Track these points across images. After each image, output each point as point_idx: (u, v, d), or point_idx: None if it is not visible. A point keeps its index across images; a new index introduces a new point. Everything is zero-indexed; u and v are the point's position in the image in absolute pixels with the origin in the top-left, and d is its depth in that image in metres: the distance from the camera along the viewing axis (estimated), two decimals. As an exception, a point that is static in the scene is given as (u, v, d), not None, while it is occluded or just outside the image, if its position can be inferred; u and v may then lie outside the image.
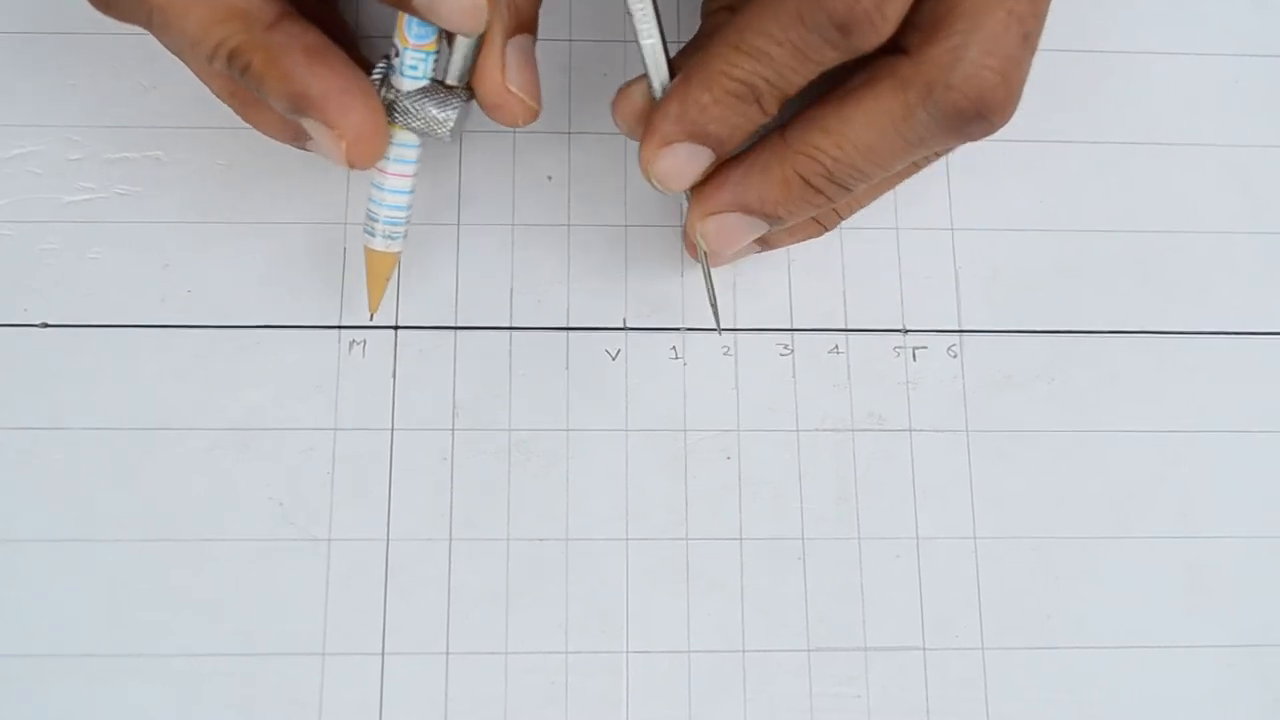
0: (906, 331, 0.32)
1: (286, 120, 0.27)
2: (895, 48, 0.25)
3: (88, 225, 0.31)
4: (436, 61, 0.26)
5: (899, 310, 0.32)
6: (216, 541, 0.29)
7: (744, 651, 0.29)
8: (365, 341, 0.31)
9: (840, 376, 0.31)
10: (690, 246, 0.29)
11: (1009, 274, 0.32)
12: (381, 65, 0.26)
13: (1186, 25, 0.34)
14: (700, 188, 0.27)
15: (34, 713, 0.28)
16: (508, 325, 0.31)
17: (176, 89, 0.32)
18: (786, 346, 0.31)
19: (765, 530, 0.30)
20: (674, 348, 0.31)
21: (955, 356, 0.32)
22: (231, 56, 0.25)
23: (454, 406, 0.30)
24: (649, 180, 0.27)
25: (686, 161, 0.26)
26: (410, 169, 0.27)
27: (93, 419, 0.30)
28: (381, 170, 0.27)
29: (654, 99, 0.27)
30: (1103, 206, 0.33)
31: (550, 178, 0.32)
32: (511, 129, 0.30)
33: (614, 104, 0.28)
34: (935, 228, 0.32)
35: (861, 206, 0.30)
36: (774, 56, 0.24)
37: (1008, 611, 0.30)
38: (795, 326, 0.32)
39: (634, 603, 0.30)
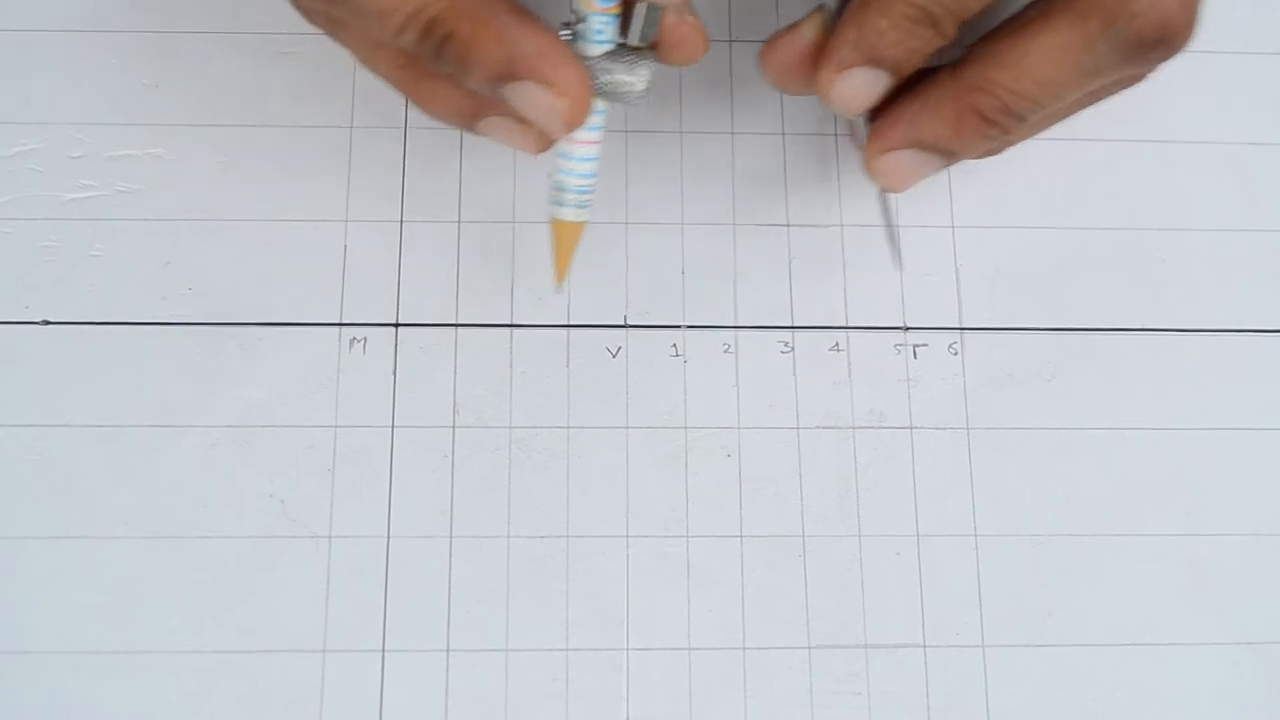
0: (907, 329, 0.32)
1: (463, 98, 0.27)
2: None
3: (89, 223, 0.31)
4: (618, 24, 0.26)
5: (900, 308, 0.32)
6: (217, 539, 0.29)
7: (744, 649, 0.29)
8: (366, 339, 0.31)
9: (841, 374, 0.31)
10: (869, 170, 0.28)
11: (1010, 272, 0.32)
12: (565, 33, 0.26)
13: (1186, 23, 0.34)
14: (876, 125, 0.27)
15: (36, 709, 0.28)
16: (508, 323, 0.31)
17: (178, 87, 0.32)
18: (787, 344, 0.31)
19: (766, 527, 0.30)
20: (674, 345, 0.31)
21: (956, 354, 0.32)
22: (430, 26, 0.24)
23: (454, 404, 0.31)
24: (827, 103, 0.27)
25: (864, 85, 0.26)
26: (599, 136, 0.27)
27: (94, 416, 0.30)
28: (570, 139, 0.27)
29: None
30: (1103, 205, 0.33)
31: (551, 175, 0.32)
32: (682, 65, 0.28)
33: (763, 55, 0.28)
34: (936, 225, 0.32)
35: (1035, 133, 0.29)
36: None
37: (1008, 609, 0.30)
38: (796, 324, 0.32)
39: (634, 600, 0.30)
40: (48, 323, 0.31)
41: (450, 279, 0.31)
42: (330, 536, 0.30)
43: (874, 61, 0.26)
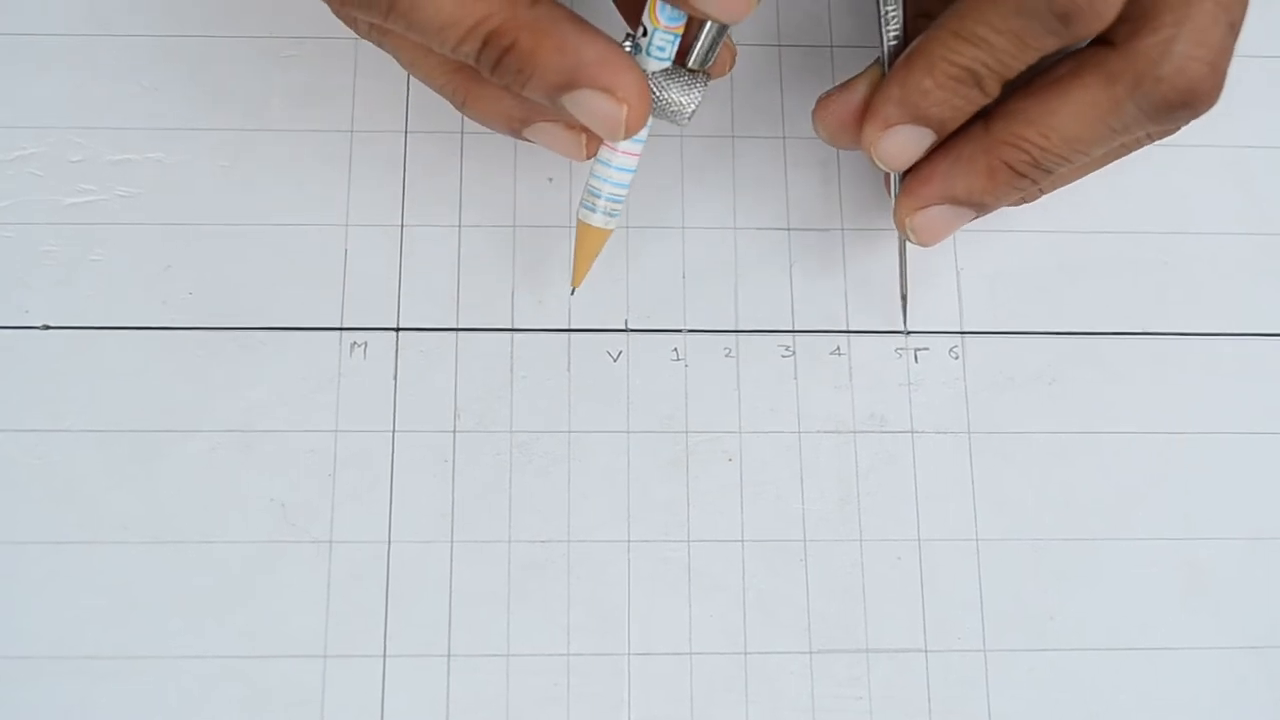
0: (908, 333, 0.32)
1: (515, 105, 0.27)
2: (1099, 38, 0.26)
3: (89, 227, 0.31)
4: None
5: (900, 311, 0.32)
6: (218, 543, 0.29)
7: (746, 653, 0.29)
8: (366, 343, 0.31)
9: (842, 378, 0.31)
10: (900, 227, 0.29)
11: (1010, 275, 0.32)
12: (628, 45, 0.26)
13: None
14: (908, 182, 0.28)
15: (36, 713, 0.28)
16: (509, 327, 0.31)
17: (178, 91, 0.32)
18: (788, 348, 0.31)
19: (767, 532, 0.30)
20: (675, 349, 0.31)
21: (957, 358, 0.32)
22: (491, 38, 0.24)
23: (455, 408, 0.30)
24: (872, 160, 0.27)
25: (909, 142, 0.27)
26: (640, 149, 0.27)
27: (94, 421, 0.30)
28: (612, 148, 0.27)
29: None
30: (1104, 208, 0.33)
31: (551, 179, 0.32)
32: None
33: (816, 114, 0.28)
34: (936, 229, 0.32)
35: (1065, 184, 0.30)
36: (994, 44, 0.25)
37: (1009, 613, 0.30)
38: (797, 328, 0.32)
39: (636, 605, 0.30)
40: (48, 327, 0.31)
41: (451, 283, 0.31)
42: (331, 541, 0.30)
43: (918, 120, 0.26)
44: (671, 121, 0.27)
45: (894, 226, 0.32)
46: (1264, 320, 0.32)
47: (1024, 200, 0.30)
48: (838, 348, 0.31)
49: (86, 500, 0.29)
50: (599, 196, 0.27)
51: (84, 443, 0.30)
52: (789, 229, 0.32)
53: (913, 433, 0.31)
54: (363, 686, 0.29)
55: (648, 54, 0.26)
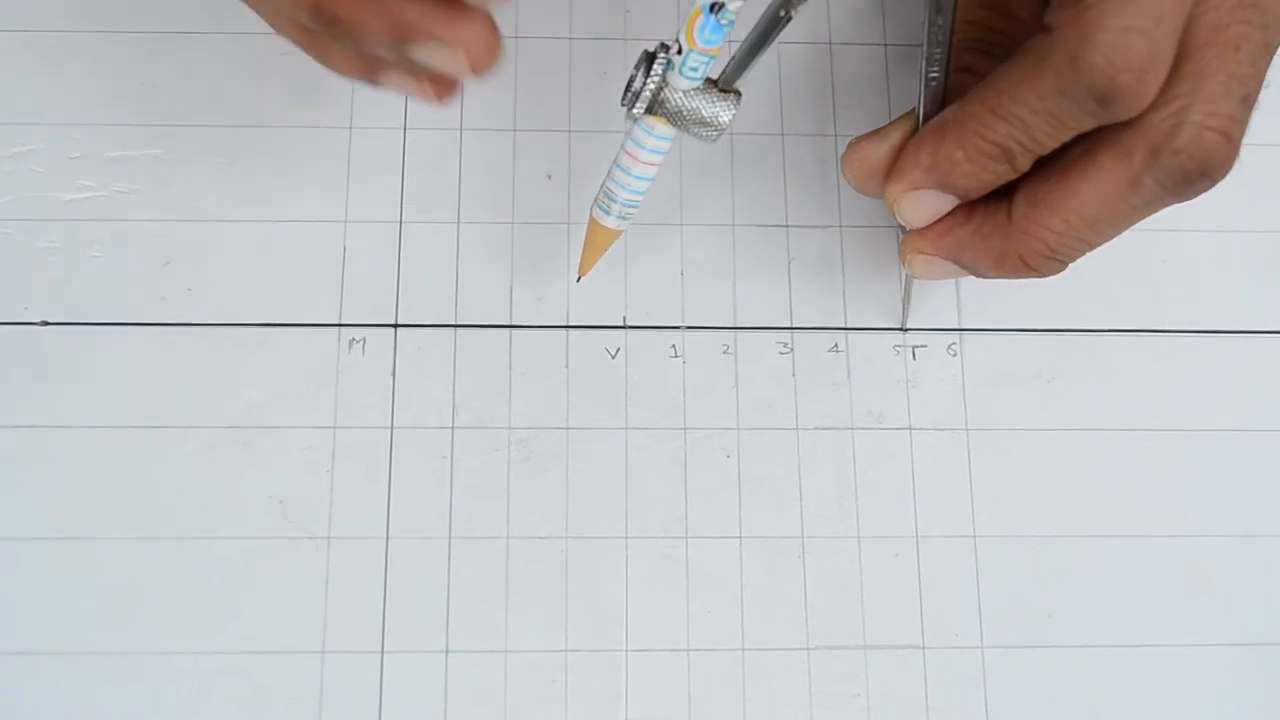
0: (906, 330, 0.32)
1: (360, 59, 0.27)
2: None
3: (88, 223, 0.31)
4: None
5: (899, 309, 0.32)
6: (216, 539, 0.29)
7: (743, 650, 0.29)
8: (365, 340, 0.31)
9: (840, 375, 0.31)
10: (904, 261, 0.29)
11: (1009, 273, 0.32)
12: (662, 57, 0.26)
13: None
14: (924, 230, 0.28)
15: (35, 711, 0.28)
16: (507, 323, 0.31)
17: (177, 87, 0.32)
18: (786, 345, 0.31)
19: (765, 528, 0.30)
20: (673, 346, 0.31)
21: (955, 355, 0.32)
22: (316, 7, 0.24)
23: (454, 405, 0.31)
24: (893, 215, 0.27)
25: (931, 206, 0.27)
26: (660, 159, 0.27)
27: (93, 417, 0.30)
28: (633, 156, 0.27)
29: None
30: (1102, 205, 0.33)
31: (550, 176, 0.32)
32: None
33: (845, 160, 0.28)
34: (935, 226, 0.32)
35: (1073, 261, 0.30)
36: (1029, 123, 0.25)
37: (1007, 610, 0.30)
38: (795, 325, 0.32)
39: (633, 601, 0.30)
40: (47, 323, 0.31)
41: (450, 280, 0.31)
42: (329, 537, 0.30)
43: (945, 188, 0.26)
44: (701, 139, 0.27)
45: (893, 224, 0.32)
46: (1262, 318, 0.32)
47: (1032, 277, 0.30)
48: (836, 345, 0.31)
49: (85, 497, 0.29)
50: (615, 200, 0.28)
51: (83, 439, 0.30)
52: (787, 226, 0.32)
53: (911, 430, 0.31)
54: (361, 682, 0.29)
55: (680, 73, 0.26)
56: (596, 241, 0.29)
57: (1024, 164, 0.26)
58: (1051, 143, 0.25)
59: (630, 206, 0.28)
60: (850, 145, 0.28)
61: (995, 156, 0.25)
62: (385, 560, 0.29)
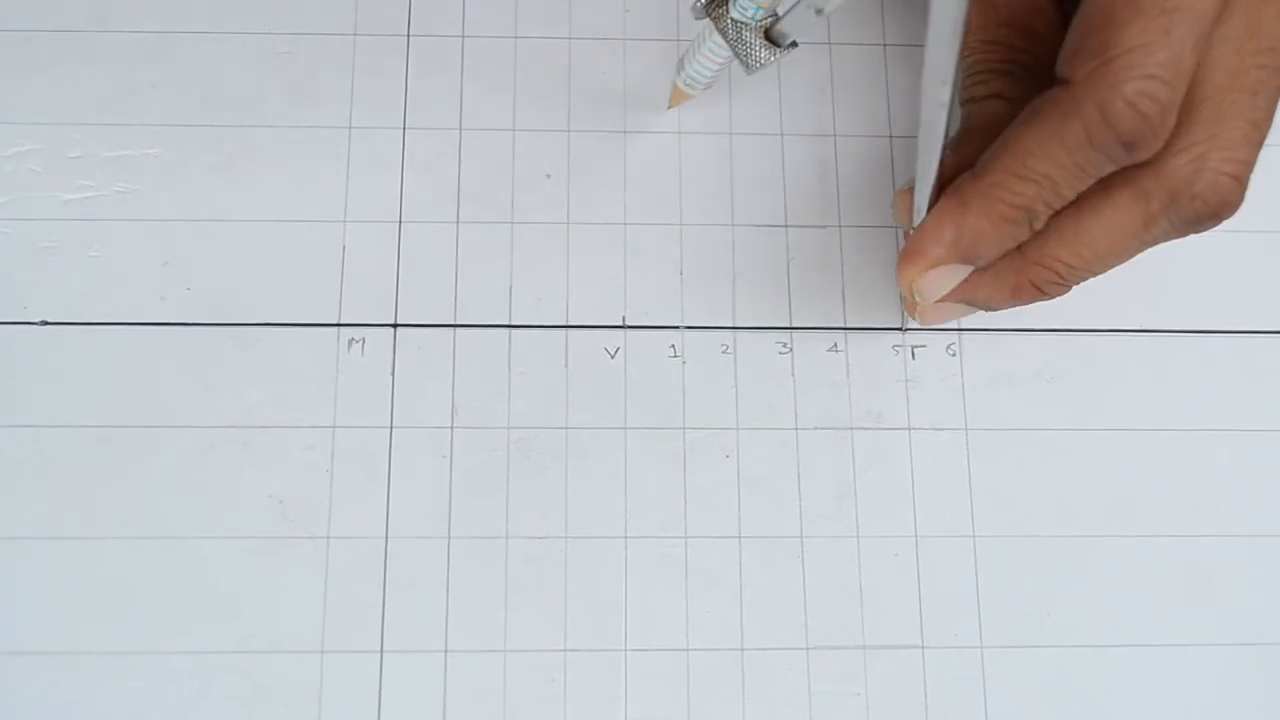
0: (905, 330, 0.32)
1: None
2: None
3: (87, 223, 0.31)
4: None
5: (898, 308, 0.32)
6: (215, 539, 0.29)
7: (742, 650, 0.29)
8: (364, 339, 0.31)
9: (839, 375, 0.31)
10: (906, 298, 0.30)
11: (1008, 272, 0.32)
12: None
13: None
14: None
15: (34, 710, 0.28)
16: (506, 323, 0.31)
17: (175, 87, 0.32)
18: (785, 345, 0.31)
19: (764, 528, 0.30)
20: (673, 346, 0.31)
21: (954, 355, 0.32)
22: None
23: (453, 404, 0.31)
24: (904, 293, 0.28)
25: (949, 278, 0.27)
26: (720, 60, 0.29)
27: (92, 417, 0.30)
28: (699, 44, 0.29)
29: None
30: (1102, 205, 0.33)
31: (549, 175, 0.32)
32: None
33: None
34: (934, 226, 0.32)
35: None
36: (1057, 179, 0.25)
37: (1006, 610, 0.30)
38: (794, 325, 0.32)
39: (633, 601, 0.30)
40: (46, 323, 0.31)
41: (449, 279, 0.31)
42: (328, 537, 0.30)
43: (967, 260, 0.26)
44: (741, 62, 0.28)
45: (892, 224, 0.32)
46: (1262, 318, 0.32)
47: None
48: (835, 344, 0.31)
49: (84, 496, 0.30)
50: (684, 68, 0.30)
51: (82, 439, 0.30)
52: (786, 226, 0.32)
53: (910, 429, 0.31)
54: (360, 682, 0.29)
55: (734, 6, 0.27)
56: (677, 97, 0.31)
57: (1042, 223, 0.26)
58: (1073, 195, 0.25)
59: (692, 79, 0.30)
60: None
61: (1019, 221, 0.25)
62: (384, 560, 0.29)
